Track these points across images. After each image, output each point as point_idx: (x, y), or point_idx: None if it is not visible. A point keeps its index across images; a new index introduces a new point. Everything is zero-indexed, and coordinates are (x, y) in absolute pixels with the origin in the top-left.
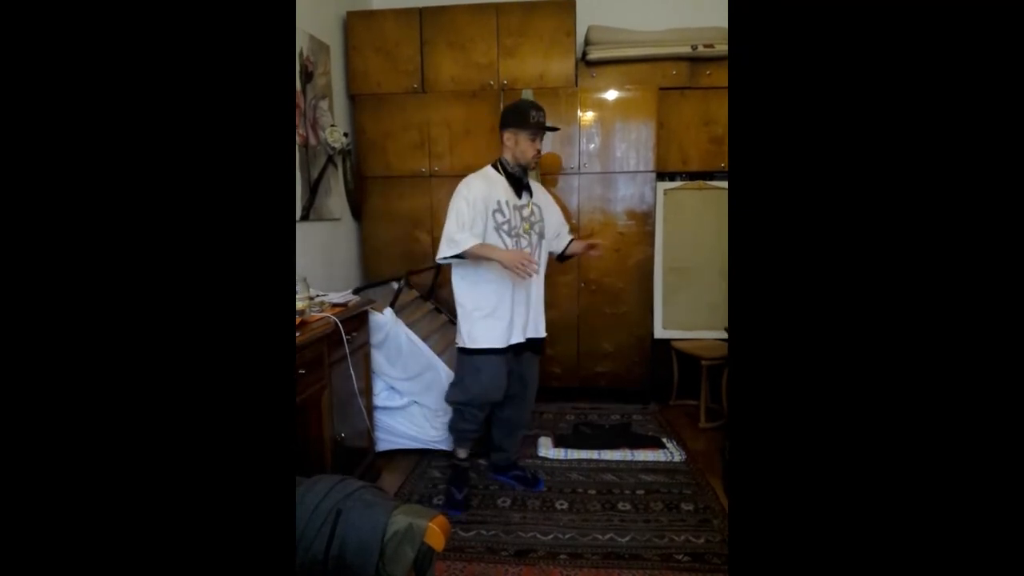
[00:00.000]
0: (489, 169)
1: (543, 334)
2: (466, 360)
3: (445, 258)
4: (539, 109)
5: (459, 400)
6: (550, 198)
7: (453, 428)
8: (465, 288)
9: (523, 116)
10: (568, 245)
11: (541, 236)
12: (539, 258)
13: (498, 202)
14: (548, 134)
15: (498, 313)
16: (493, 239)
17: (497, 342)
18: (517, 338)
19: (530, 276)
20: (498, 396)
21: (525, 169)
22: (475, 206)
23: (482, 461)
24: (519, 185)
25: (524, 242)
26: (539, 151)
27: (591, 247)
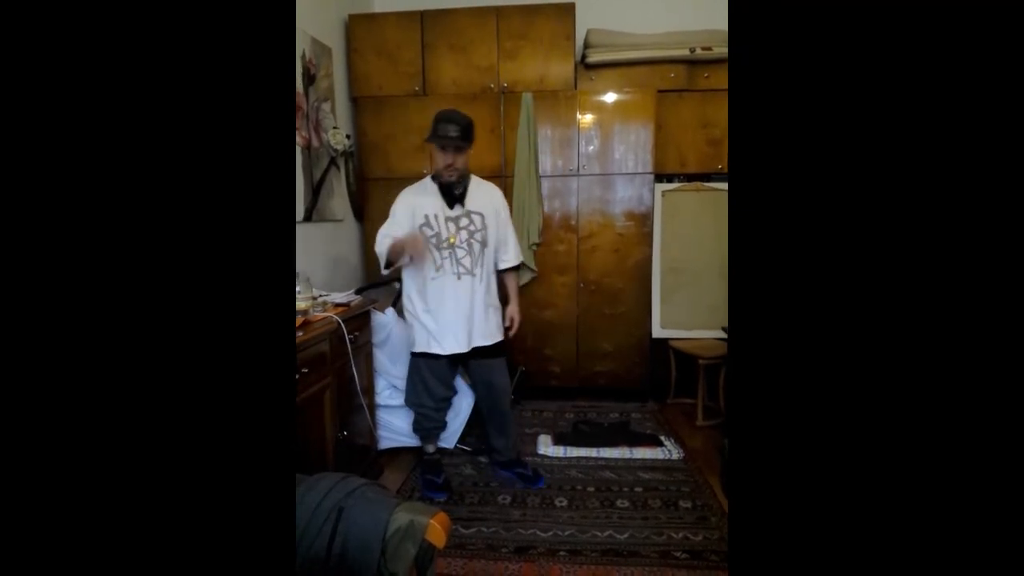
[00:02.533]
0: (427, 180)
1: (493, 340)
2: (412, 362)
3: (386, 270)
4: (451, 121)
5: (413, 402)
6: (500, 206)
7: (417, 429)
8: (409, 292)
9: (432, 128)
10: (505, 273)
11: (484, 244)
12: (482, 266)
13: (426, 216)
14: (542, 137)
15: (431, 320)
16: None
17: (434, 348)
18: (458, 347)
19: (417, 252)
20: (447, 394)
21: (458, 178)
22: (400, 216)
23: (483, 459)
24: (451, 196)
25: (461, 252)
26: (451, 164)
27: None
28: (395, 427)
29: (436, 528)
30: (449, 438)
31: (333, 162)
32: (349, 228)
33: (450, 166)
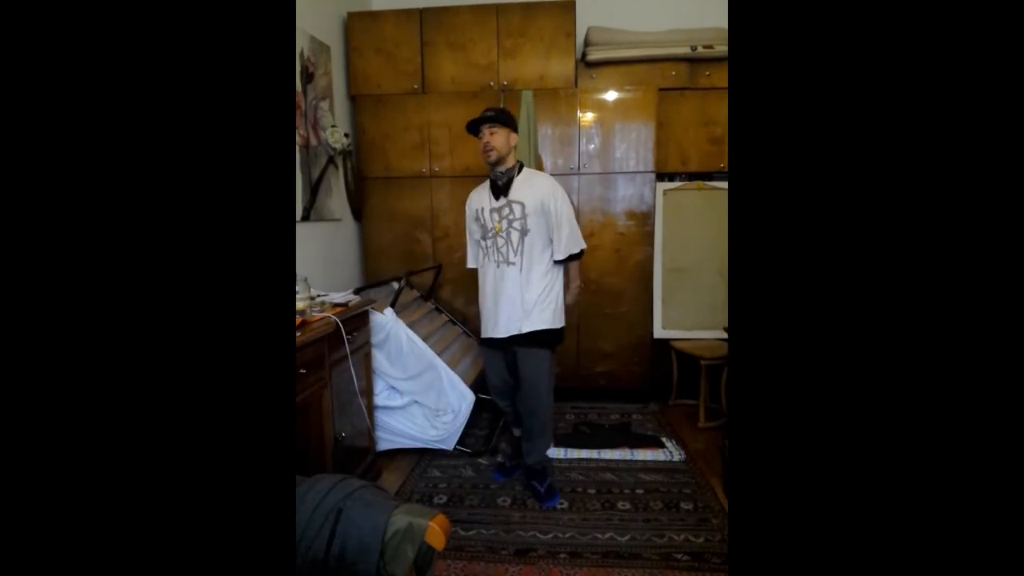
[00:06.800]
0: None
1: (527, 329)
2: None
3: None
4: (486, 111)
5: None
6: (548, 196)
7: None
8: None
9: (470, 127)
10: (563, 263)
11: (523, 233)
12: (520, 254)
13: (477, 211)
14: (542, 136)
15: (481, 307)
16: (475, 248)
17: (482, 333)
18: (495, 332)
19: None
20: (496, 382)
21: (497, 170)
22: (468, 217)
23: (482, 460)
24: (496, 188)
25: (501, 241)
26: (486, 143)
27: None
28: (393, 428)
29: (435, 530)
30: (448, 439)
31: (331, 161)
32: (347, 227)
33: (486, 145)
